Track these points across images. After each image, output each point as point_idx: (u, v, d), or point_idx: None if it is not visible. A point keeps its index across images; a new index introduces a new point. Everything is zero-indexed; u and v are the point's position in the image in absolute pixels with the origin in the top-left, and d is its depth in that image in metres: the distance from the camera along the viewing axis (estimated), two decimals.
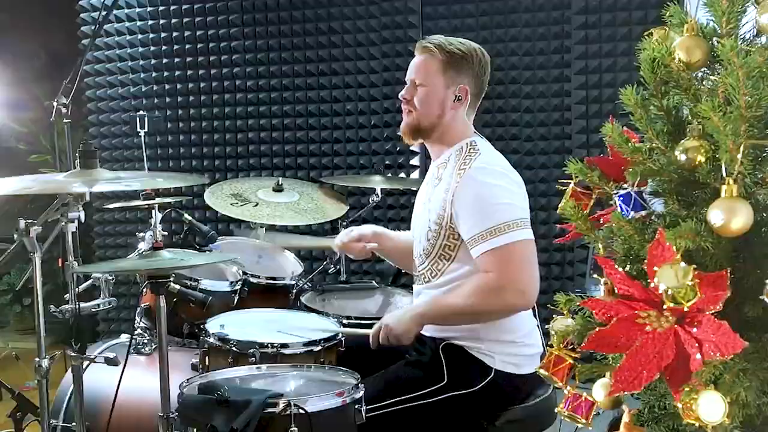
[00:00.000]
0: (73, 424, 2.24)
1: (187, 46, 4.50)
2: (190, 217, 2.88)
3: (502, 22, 3.98)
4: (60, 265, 2.24)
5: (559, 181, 1.63)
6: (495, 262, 1.95)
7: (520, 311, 2.03)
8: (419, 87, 2.14)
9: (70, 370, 2.26)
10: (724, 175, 1.28)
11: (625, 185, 1.46)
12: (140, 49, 4.60)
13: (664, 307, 1.27)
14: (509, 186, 2.04)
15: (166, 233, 2.72)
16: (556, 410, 1.55)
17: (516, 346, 2.07)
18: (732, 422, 1.28)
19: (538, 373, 1.56)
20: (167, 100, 4.59)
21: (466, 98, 2.12)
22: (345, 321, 2.47)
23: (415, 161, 4.16)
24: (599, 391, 1.47)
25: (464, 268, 2.06)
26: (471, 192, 2.01)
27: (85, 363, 2.19)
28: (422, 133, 2.16)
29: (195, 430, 1.83)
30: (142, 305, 2.62)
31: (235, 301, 2.69)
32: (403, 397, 2.02)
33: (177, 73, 4.54)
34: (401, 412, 2.01)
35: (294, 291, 2.81)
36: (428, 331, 2.14)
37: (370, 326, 2.52)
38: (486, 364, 2.04)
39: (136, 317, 2.63)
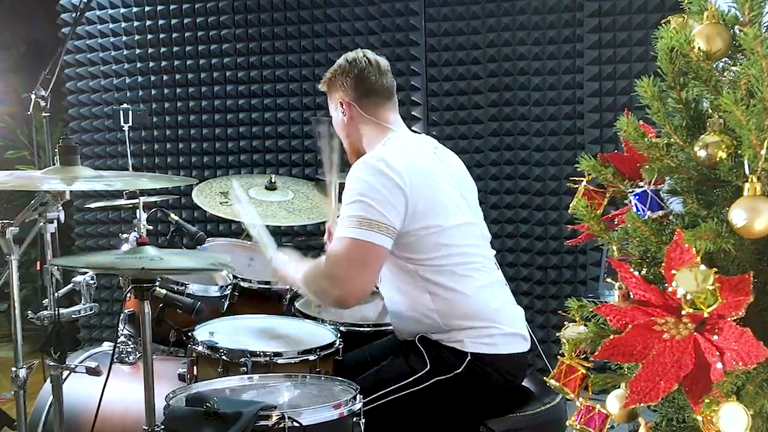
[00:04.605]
0: None
1: (174, 35, 4.50)
2: (176, 217, 2.88)
3: (510, 9, 3.98)
4: (38, 268, 2.24)
5: (571, 178, 1.63)
6: (330, 250, 2.14)
7: (340, 306, 2.25)
8: None
9: (49, 380, 2.26)
10: (746, 172, 1.28)
11: (641, 183, 1.45)
12: (124, 38, 4.60)
13: (683, 313, 1.27)
14: (378, 185, 2.08)
15: (150, 227, 2.71)
16: (567, 423, 1.55)
17: (479, 330, 2.14)
18: None
19: (548, 383, 1.56)
20: (153, 92, 4.59)
21: (350, 108, 2.29)
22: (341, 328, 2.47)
23: None
24: (614, 403, 1.47)
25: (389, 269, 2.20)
26: (346, 185, 2.14)
27: (65, 373, 2.19)
28: (358, 156, 2.30)
29: None
30: (126, 311, 2.62)
31: (225, 306, 2.69)
32: (390, 388, 2.11)
33: (163, 63, 4.54)
34: (390, 404, 2.10)
35: (288, 296, 2.81)
36: (403, 334, 2.26)
37: (369, 334, 2.52)
38: (458, 349, 2.13)
39: (120, 324, 2.63)
